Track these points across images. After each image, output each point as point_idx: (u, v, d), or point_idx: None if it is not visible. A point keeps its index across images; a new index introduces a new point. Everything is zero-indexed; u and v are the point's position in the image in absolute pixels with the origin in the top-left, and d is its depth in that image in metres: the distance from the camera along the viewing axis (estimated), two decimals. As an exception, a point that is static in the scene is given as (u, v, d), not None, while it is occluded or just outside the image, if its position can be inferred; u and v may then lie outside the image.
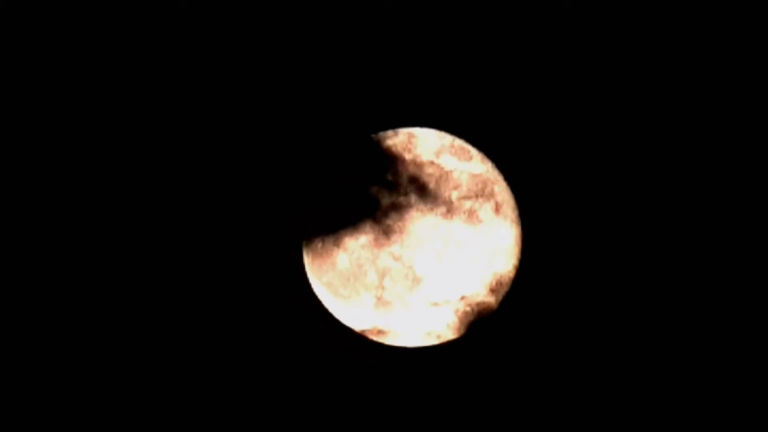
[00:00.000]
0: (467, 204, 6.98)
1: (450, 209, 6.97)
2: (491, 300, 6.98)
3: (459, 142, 7.15)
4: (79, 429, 7.15)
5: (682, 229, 7.31)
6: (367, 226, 6.95)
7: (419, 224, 6.96)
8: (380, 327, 7.06)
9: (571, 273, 7.24)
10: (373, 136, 7.10)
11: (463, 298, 6.94)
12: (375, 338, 7.08)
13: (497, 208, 7.03)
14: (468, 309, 6.94)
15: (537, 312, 7.21)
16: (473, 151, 7.15)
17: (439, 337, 7.08)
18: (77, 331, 7.19)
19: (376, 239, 6.94)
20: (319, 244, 7.00)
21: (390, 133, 7.12)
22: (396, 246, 6.94)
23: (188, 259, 7.25)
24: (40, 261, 7.18)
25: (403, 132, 7.12)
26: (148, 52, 7.27)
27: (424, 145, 7.11)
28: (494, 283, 6.96)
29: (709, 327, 7.25)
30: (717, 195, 7.30)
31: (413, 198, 6.97)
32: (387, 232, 6.93)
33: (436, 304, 6.94)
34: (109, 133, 7.27)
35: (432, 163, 7.07)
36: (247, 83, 7.31)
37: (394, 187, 7.01)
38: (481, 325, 7.03)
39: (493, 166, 7.14)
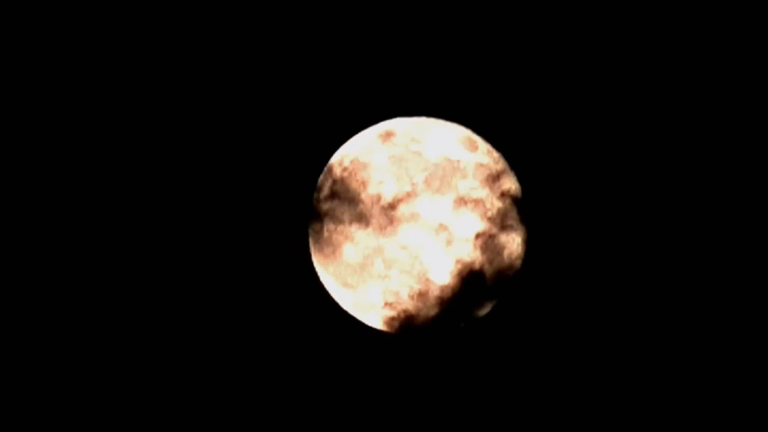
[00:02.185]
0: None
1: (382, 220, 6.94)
2: (413, 307, 6.92)
3: (466, 132, 7.12)
4: (80, 426, 7.33)
5: (688, 234, 7.34)
6: (372, 216, 6.90)
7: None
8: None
9: (575, 266, 7.35)
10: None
11: (388, 304, 6.92)
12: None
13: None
14: (393, 314, 6.93)
15: (544, 301, 7.41)
16: (480, 141, 7.12)
17: None
18: (82, 321, 7.36)
19: (381, 229, 6.89)
20: (326, 234, 7.03)
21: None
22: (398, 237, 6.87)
23: (196, 254, 7.37)
24: (46, 259, 7.34)
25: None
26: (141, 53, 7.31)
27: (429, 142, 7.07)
28: (416, 291, 6.88)
29: (708, 321, 7.30)
30: (719, 186, 7.33)
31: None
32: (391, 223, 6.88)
33: (364, 309, 6.97)
34: (105, 133, 7.33)
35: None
36: (256, 70, 7.38)
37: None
38: (411, 329, 7.01)
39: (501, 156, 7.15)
